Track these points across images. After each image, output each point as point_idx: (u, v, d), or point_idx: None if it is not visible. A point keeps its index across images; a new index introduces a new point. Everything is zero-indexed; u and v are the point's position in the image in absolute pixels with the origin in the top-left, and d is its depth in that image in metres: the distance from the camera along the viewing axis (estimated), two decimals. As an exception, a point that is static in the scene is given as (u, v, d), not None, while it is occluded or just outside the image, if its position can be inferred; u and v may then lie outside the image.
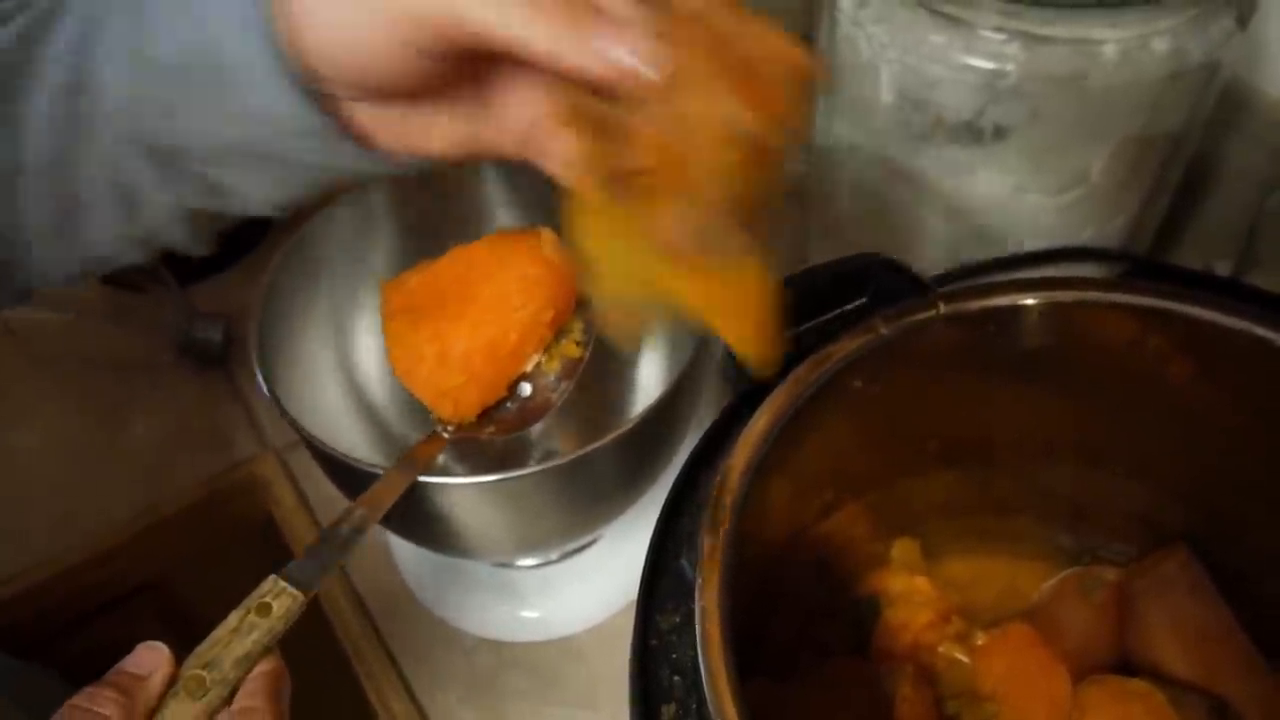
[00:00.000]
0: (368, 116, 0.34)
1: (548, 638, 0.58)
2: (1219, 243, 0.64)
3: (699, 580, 0.31)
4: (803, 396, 0.36)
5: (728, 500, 0.33)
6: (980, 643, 0.45)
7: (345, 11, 0.30)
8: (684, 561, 0.33)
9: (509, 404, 0.48)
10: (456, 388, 0.46)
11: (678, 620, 0.33)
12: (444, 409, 0.47)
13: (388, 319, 0.48)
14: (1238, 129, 0.62)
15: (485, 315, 0.46)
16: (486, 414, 0.48)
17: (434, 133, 0.35)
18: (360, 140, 0.34)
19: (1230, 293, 0.37)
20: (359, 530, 0.40)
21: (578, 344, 0.48)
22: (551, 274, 0.46)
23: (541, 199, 0.59)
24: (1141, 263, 0.45)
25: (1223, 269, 0.61)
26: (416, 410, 0.61)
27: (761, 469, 0.34)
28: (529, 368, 0.47)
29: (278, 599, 0.35)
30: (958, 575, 0.48)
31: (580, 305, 0.48)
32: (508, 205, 0.60)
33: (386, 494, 0.42)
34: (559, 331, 0.48)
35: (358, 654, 0.58)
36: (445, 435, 0.47)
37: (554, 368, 0.48)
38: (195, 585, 0.72)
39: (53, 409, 0.71)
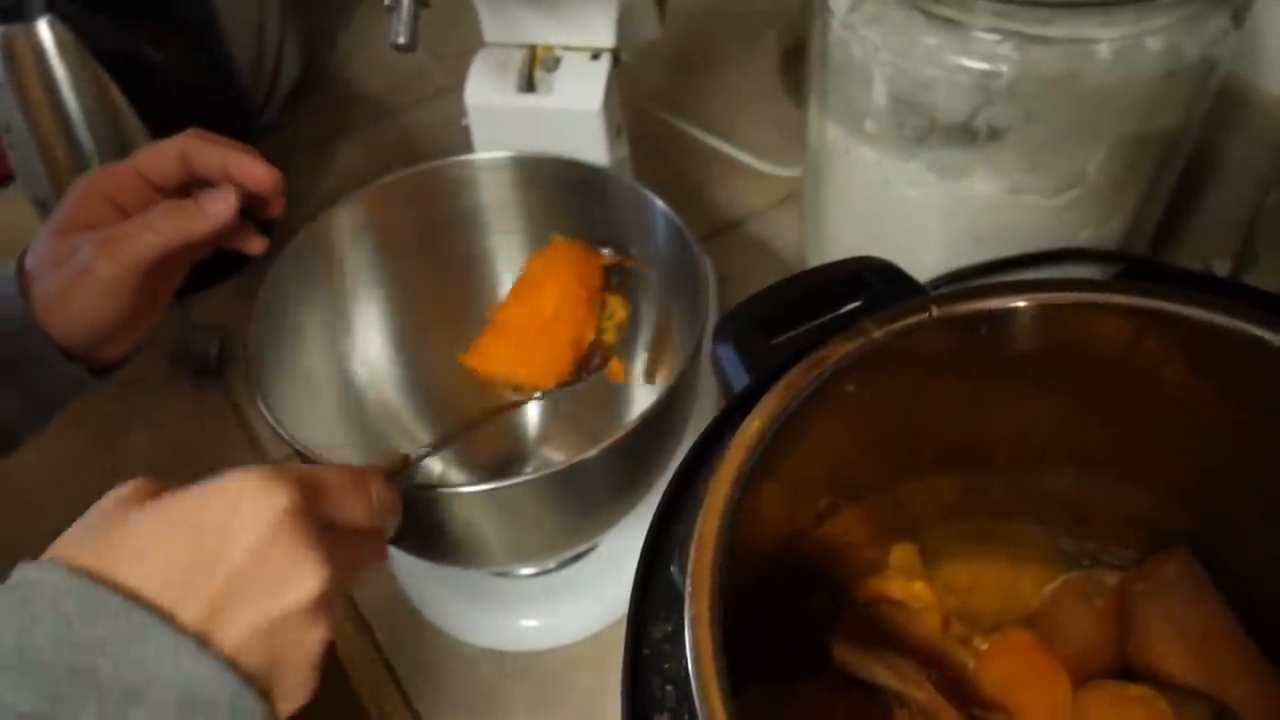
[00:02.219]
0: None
1: (547, 647, 0.58)
2: (1218, 241, 0.63)
3: (689, 588, 0.31)
4: (796, 400, 0.35)
5: (719, 505, 0.32)
6: (981, 648, 0.45)
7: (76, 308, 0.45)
8: (674, 569, 0.33)
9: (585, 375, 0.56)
10: (516, 352, 0.55)
11: (670, 629, 0.33)
12: (521, 376, 0.55)
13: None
14: (1236, 127, 0.62)
15: (527, 298, 0.56)
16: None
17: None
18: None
19: (1224, 292, 0.36)
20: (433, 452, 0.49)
21: (622, 306, 0.58)
22: (566, 254, 0.56)
23: (531, 204, 0.59)
24: (1137, 262, 0.44)
25: (1221, 268, 0.61)
26: (412, 422, 0.61)
27: (754, 473, 0.34)
28: (590, 340, 0.57)
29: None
30: (957, 580, 0.47)
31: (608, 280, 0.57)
32: (498, 210, 0.59)
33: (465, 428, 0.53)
34: (604, 313, 0.57)
35: (356, 665, 0.58)
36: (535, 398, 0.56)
37: (612, 340, 0.57)
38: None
39: (49, 423, 0.71)
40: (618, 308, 0.57)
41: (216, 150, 0.47)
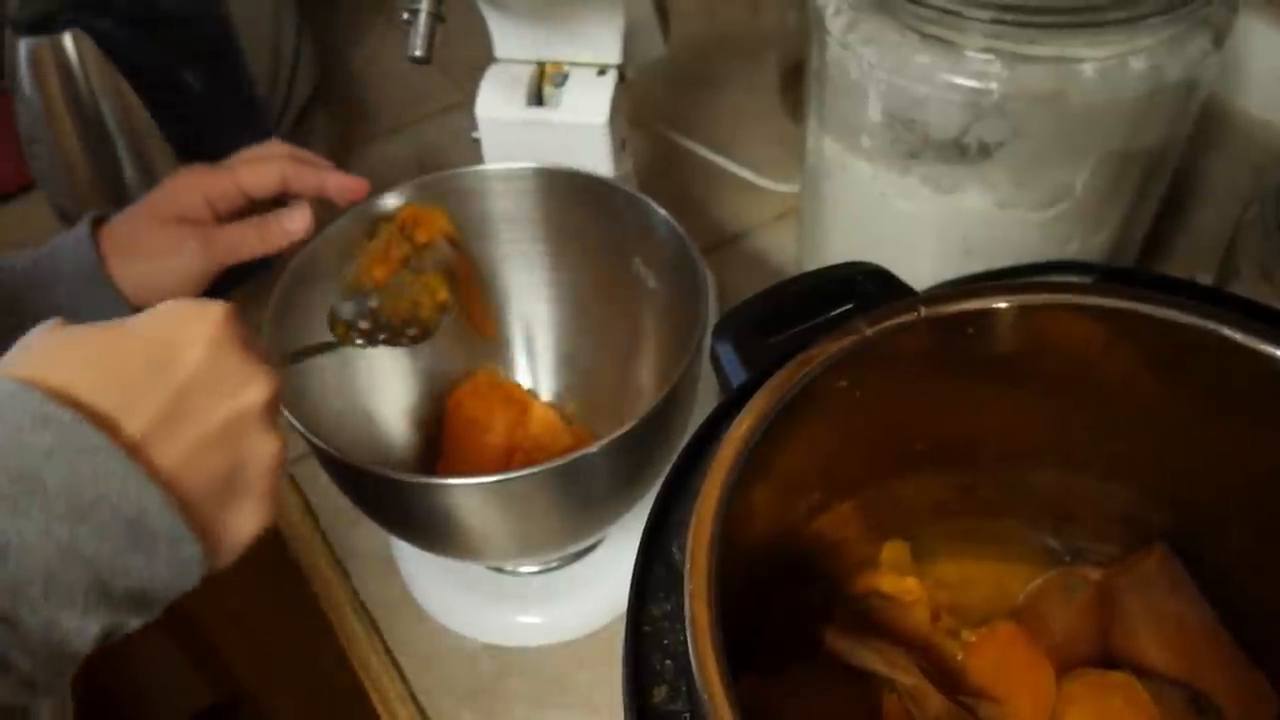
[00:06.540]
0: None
1: (549, 642, 0.59)
2: (1203, 255, 0.65)
3: (688, 565, 0.32)
4: (788, 396, 0.37)
5: (716, 489, 0.34)
6: (969, 640, 0.46)
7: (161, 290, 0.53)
8: (675, 549, 0.35)
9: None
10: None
11: (669, 607, 0.34)
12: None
13: None
14: (1219, 145, 0.64)
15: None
16: None
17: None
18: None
19: (1198, 296, 0.38)
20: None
21: (442, 285, 0.60)
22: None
23: (539, 213, 0.61)
24: (1114, 272, 0.46)
25: (1205, 282, 0.63)
26: (416, 424, 0.63)
27: (749, 463, 0.35)
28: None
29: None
30: (947, 576, 0.49)
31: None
32: (507, 219, 0.61)
33: None
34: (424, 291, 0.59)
35: (361, 660, 0.59)
36: None
37: (433, 318, 0.59)
38: (201, 597, 0.73)
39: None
40: (438, 287, 0.60)
41: (315, 174, 0.56)
